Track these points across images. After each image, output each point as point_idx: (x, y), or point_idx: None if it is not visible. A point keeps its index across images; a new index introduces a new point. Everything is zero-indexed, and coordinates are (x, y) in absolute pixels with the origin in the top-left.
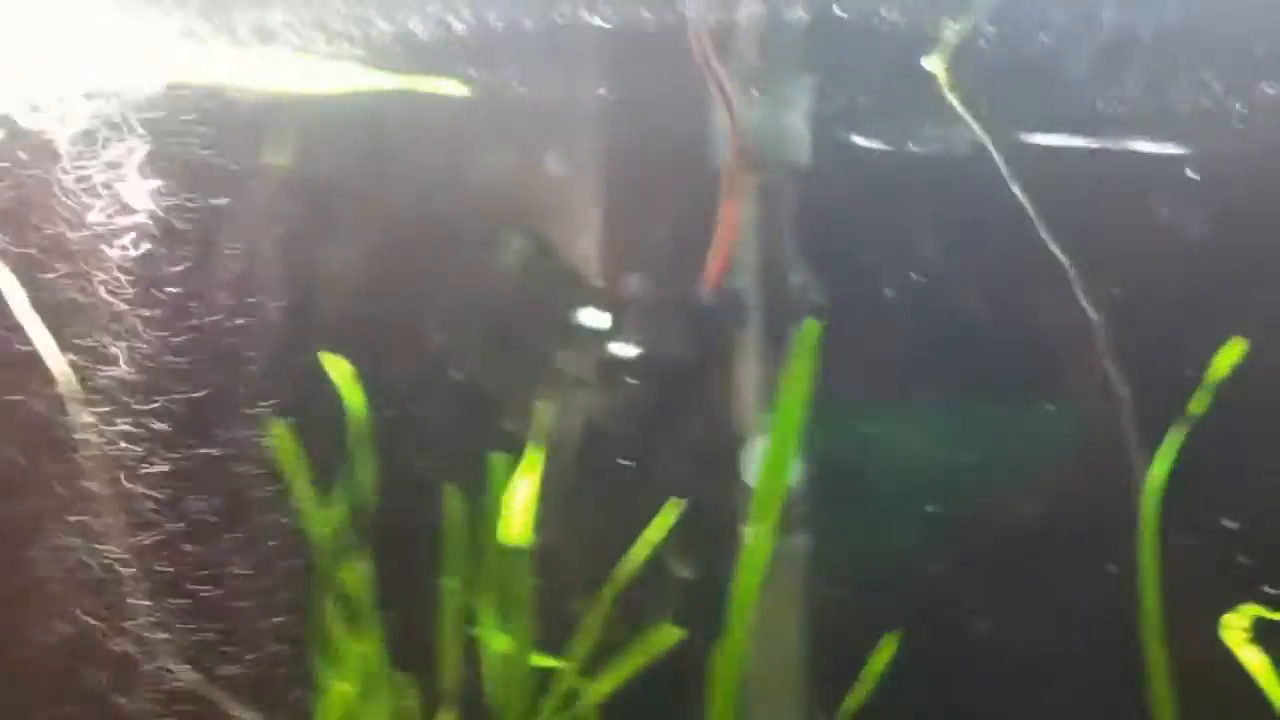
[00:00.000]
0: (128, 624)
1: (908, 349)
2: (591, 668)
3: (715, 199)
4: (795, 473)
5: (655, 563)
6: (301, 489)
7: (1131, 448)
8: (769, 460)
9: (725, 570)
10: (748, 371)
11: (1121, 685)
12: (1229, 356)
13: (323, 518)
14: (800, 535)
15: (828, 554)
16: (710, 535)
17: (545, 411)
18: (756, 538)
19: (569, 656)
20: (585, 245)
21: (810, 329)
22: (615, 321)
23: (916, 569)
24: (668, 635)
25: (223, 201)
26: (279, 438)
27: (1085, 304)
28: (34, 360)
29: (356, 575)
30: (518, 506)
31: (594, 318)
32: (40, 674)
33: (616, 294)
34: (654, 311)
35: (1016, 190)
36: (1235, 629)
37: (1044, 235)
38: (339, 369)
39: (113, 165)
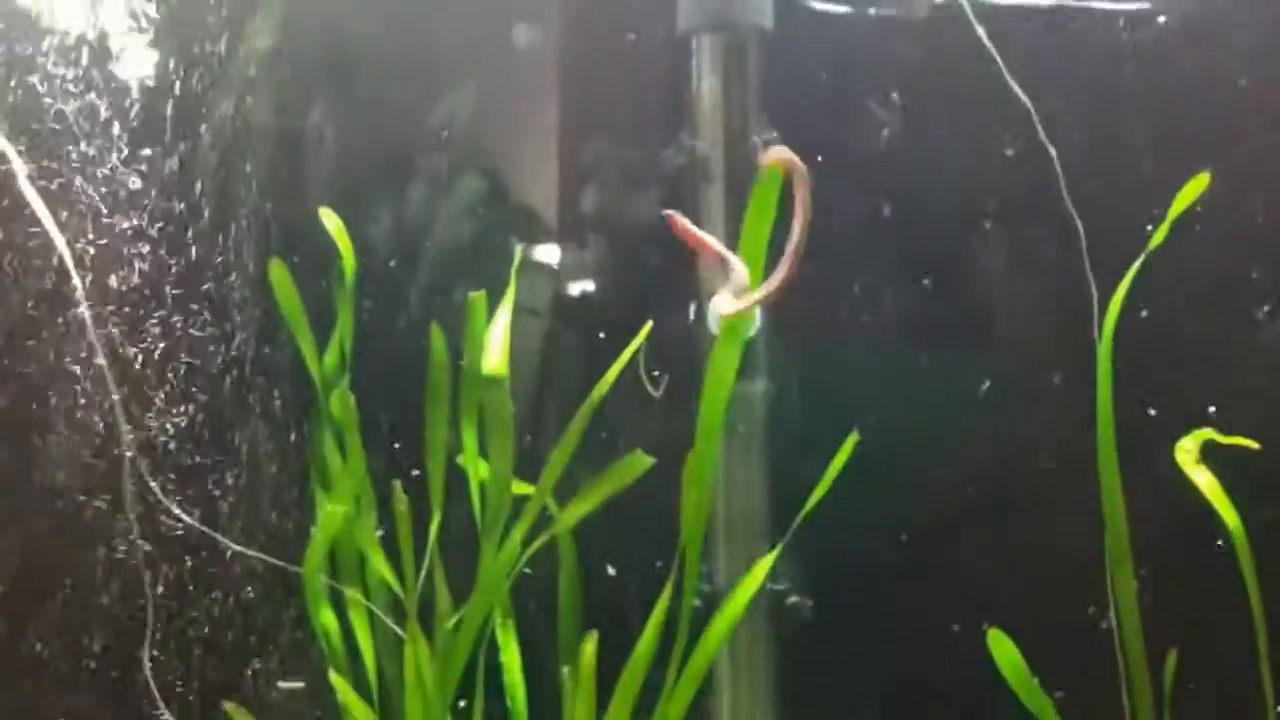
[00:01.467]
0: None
1: (869, 207)
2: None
3: (681, 64)
4: (755, 322)
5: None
6: (300, 327)
7: (1088, 283)
8: None
9: (691, 398)
10: (712, 230)
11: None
12: (1192, 191)
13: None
14: (760, 381)
15: (786, 399)
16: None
17: (521, 252)
18: (720, 361)
19: (542, 482)
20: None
21: (770, 174)
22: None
23: (874, 411)
24: (639, 463)
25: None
26: (278, 278)
27: (1046, 143)
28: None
29: (345, 402)
30: (495, 339)
31: (548, 253)
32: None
33: (581, 158)
34: (619, 175)
35: (980, 33)
36: (1186, 451)
37: (1007, 78)
38: (332, 221)
39: None
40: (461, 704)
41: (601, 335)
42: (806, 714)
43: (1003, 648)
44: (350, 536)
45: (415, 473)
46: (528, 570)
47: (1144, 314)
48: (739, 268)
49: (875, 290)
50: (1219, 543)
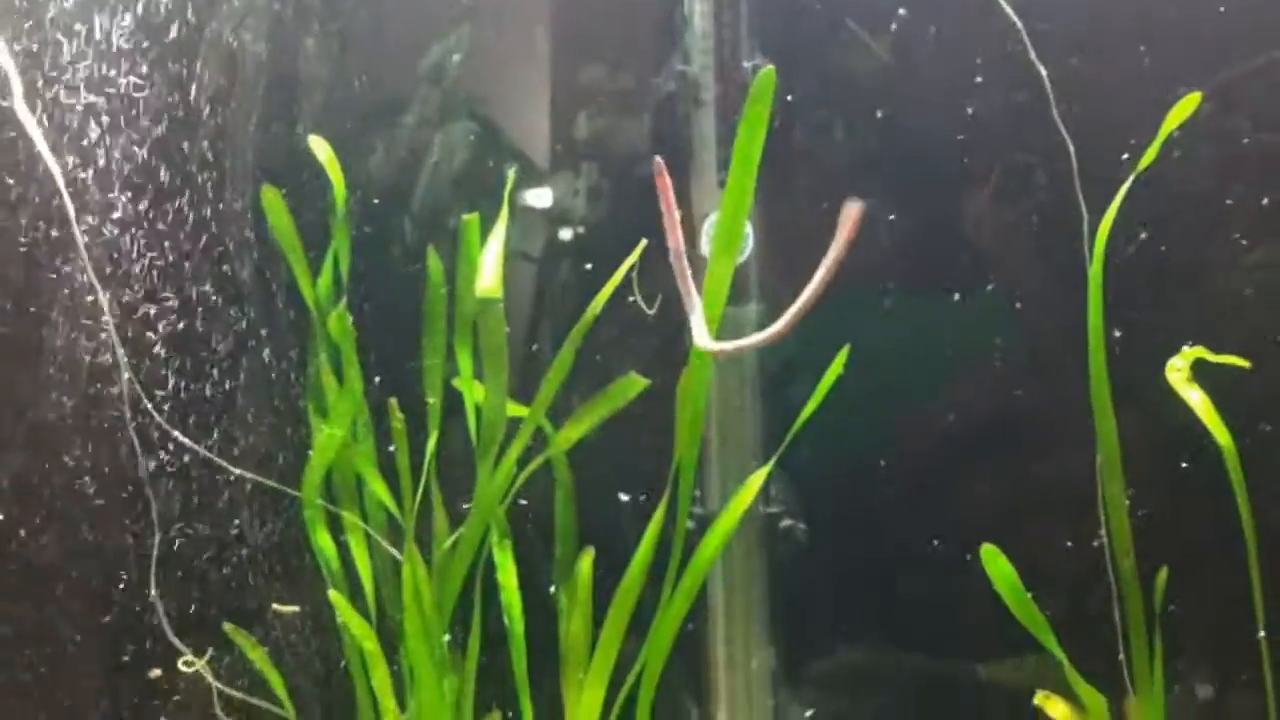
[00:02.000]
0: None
1: (861, 131)
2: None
3: None
4: (748, 246)
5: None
6: (294, 252)
7: (1078, 204)
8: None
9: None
10: (704, 153)
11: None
12: (1182, 111)
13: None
14: (753, 305)
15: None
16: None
17: (513, 176)
18: (713, 280)
19: (536, 403)
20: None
21: (763, 79)
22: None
23: (866, 334)
24: (633, 384)
25: None
26: (272, 205)
27: (1037, 64)
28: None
29: (343, 323)
30: (489, 261)
31: (538, 197)
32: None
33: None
34: (611, 101)
35: None
36: (1177, 370)
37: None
38: (322, 149)
39: None
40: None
41: (593, 264)
42: (800, 636)
43: (997, 564)
44: (347, 459)
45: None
46: (523, 501)
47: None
48: (694, 298)
49: (867, 214)
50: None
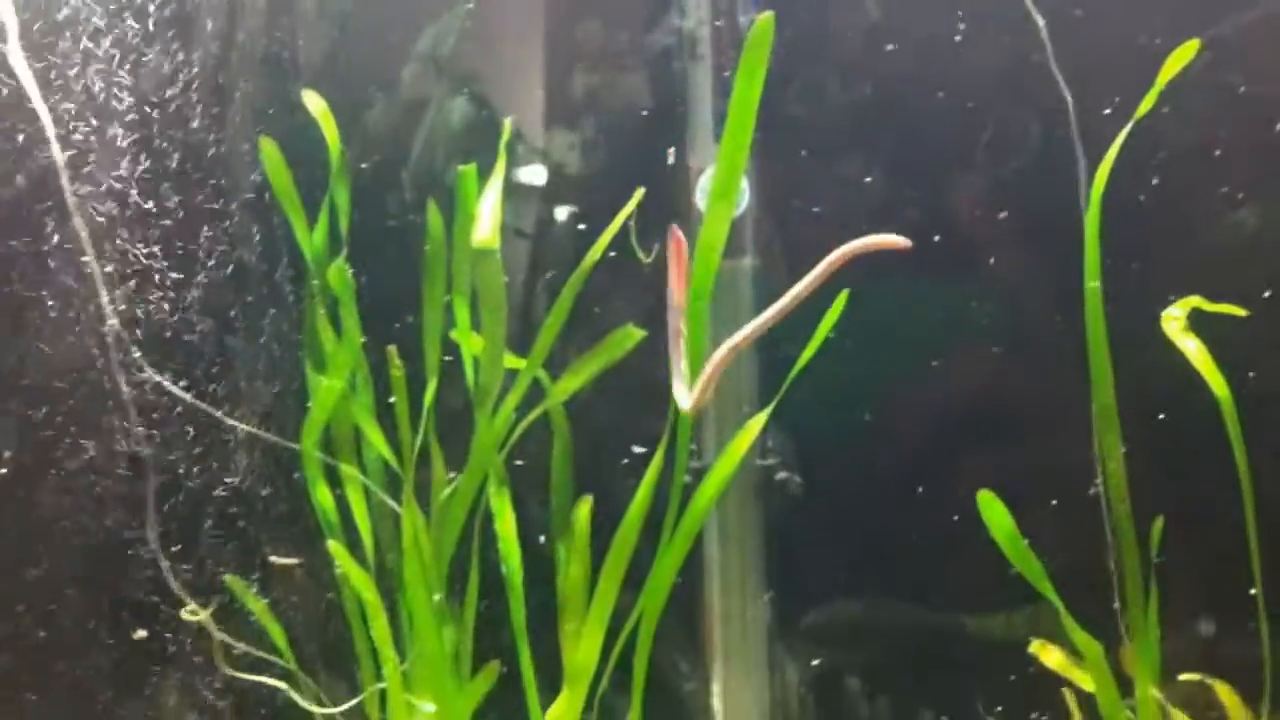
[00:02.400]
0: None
1: (857, 85)
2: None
3: None
4: (744, 200)
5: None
6: (291, 205)
7: (1077, 151)
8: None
9: None
10: (699, 106)
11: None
12: (1180, 58)
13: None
14: (748, 258)
15: (772, 275)
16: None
17: (508, 127)
18: (710, 229)
19: (534, 351)
20: None
21: (761, 26)
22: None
23: (862, 285)
24: (629, 336)
25: None
26: (269, 155)
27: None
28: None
29: (341, 276)
30: (486, 212)
31: (532, 174)
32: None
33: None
34: (607, 57)
35: None
36: (1174, 319)
37: None
38: (316, 104)
39: None
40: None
41: (591, 212)
42: (795, 588)
43: (994, 510)
44: (346, 412)
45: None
46: (520, 462)
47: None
48: (681, 367)
49: (863, 168)
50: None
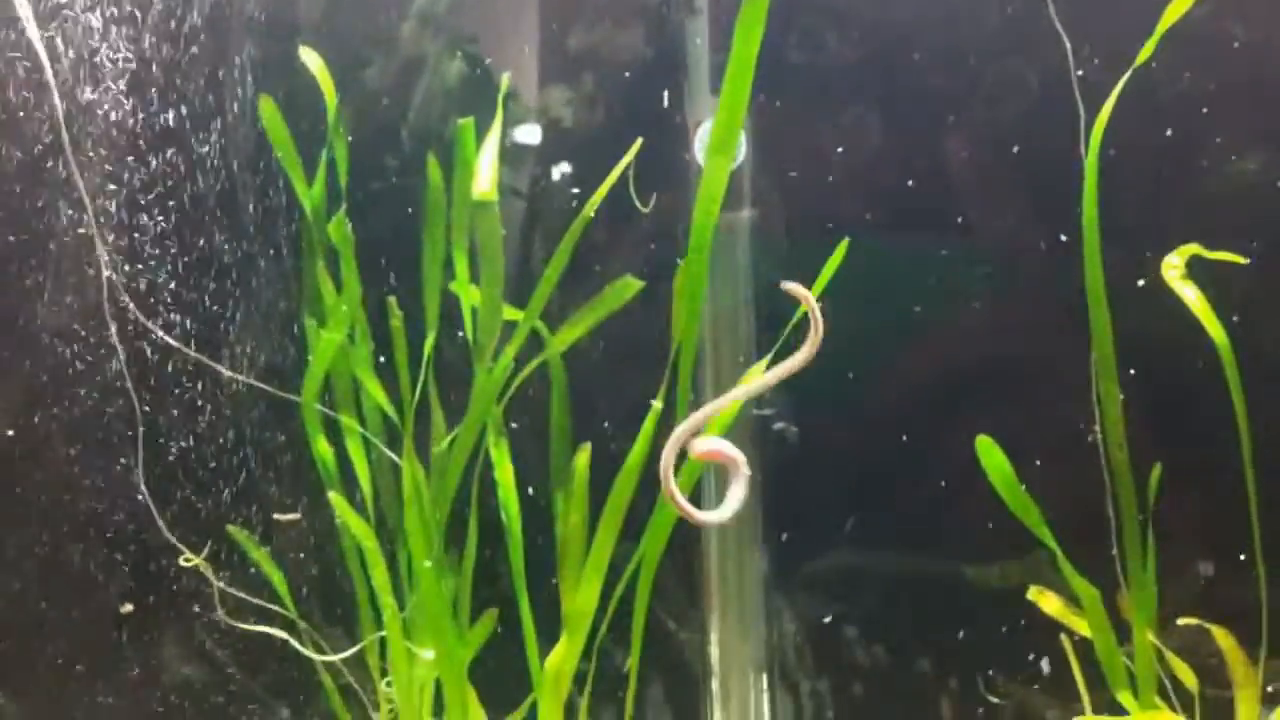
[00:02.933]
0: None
1: (855, 39)
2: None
3: None
4: (742, 151)
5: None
6: (289, 160)
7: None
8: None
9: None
10: (697, 63)
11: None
12: (1180, 6)
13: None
14: (745, 210)
15: (770, 226)
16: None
17: (506, 82)
18: (709, 178)
19: (530, 307)
20: None
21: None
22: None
23: (862, 234)
24: (628, 287)
25: None
26: (268, 113)
27: None
28: None
29: (341, 228)
30: (485, 165)
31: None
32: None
33: None
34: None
35: None
36: (1173, 267)
37: None
38: (313, 60)
39: None
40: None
41: (588, 172)
42: (793, 538)
43: (991, 455)
44: (345, 364)
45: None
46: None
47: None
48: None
49: (861, 119)
50: None
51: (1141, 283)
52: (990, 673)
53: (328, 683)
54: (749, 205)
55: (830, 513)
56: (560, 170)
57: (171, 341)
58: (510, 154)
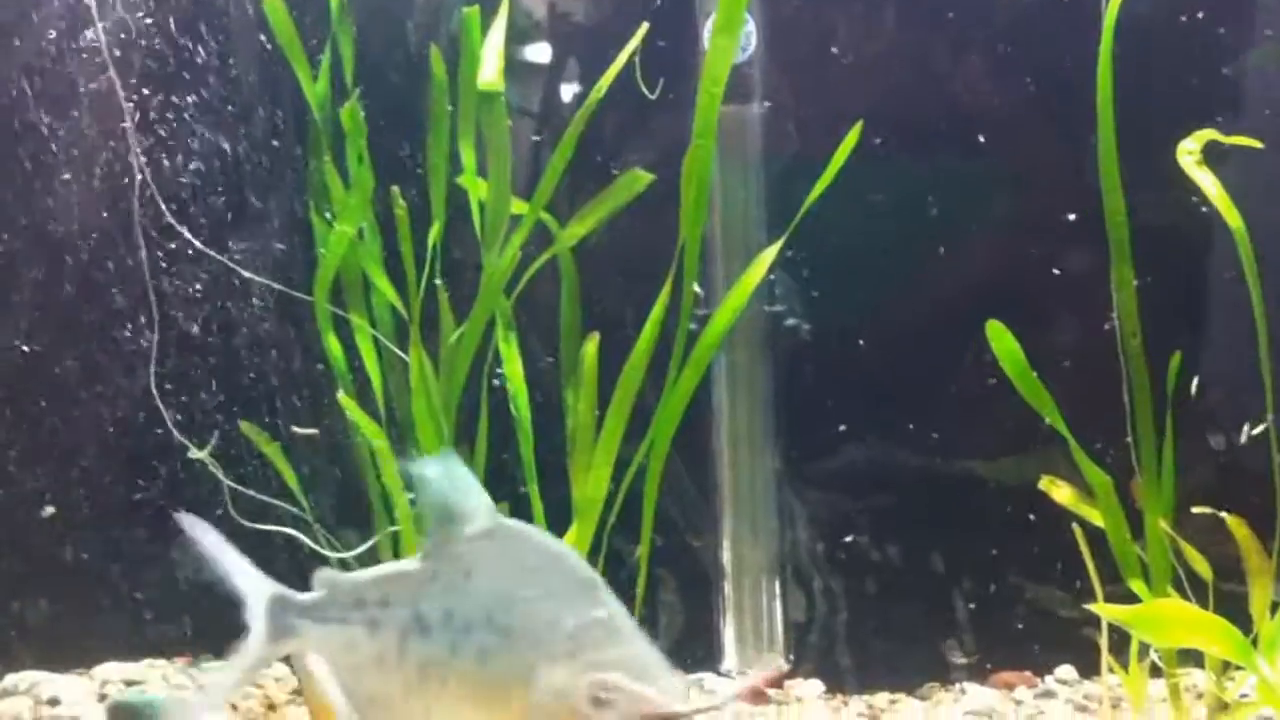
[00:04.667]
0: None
1: None
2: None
3: None
4: (751, 43)
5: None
6: (295, 54)
7: None
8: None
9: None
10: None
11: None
12: None
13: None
14: (756, 104)
15: (781, 120)
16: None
17: None
18: (713, 61)
19: (536, 197)
20: None
21: None
22: None
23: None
24: (638, 180)
25: None
26: (273, 9)
27: None
28: None
29: (355, 116)
30: (491, 54)
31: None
32: None
33: None
34: None
35: None
36: (1189, 153)
37: None
38: None
39: None
40: None
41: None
42: (804, 435)
43: (1002, 340)
44: (354, 260)
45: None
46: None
47: None
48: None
49: (873, 11)
50: None
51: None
52: (1002, 568)
53: None
54: (759, 99)
55: (842, 409)
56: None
57: (188, 235)
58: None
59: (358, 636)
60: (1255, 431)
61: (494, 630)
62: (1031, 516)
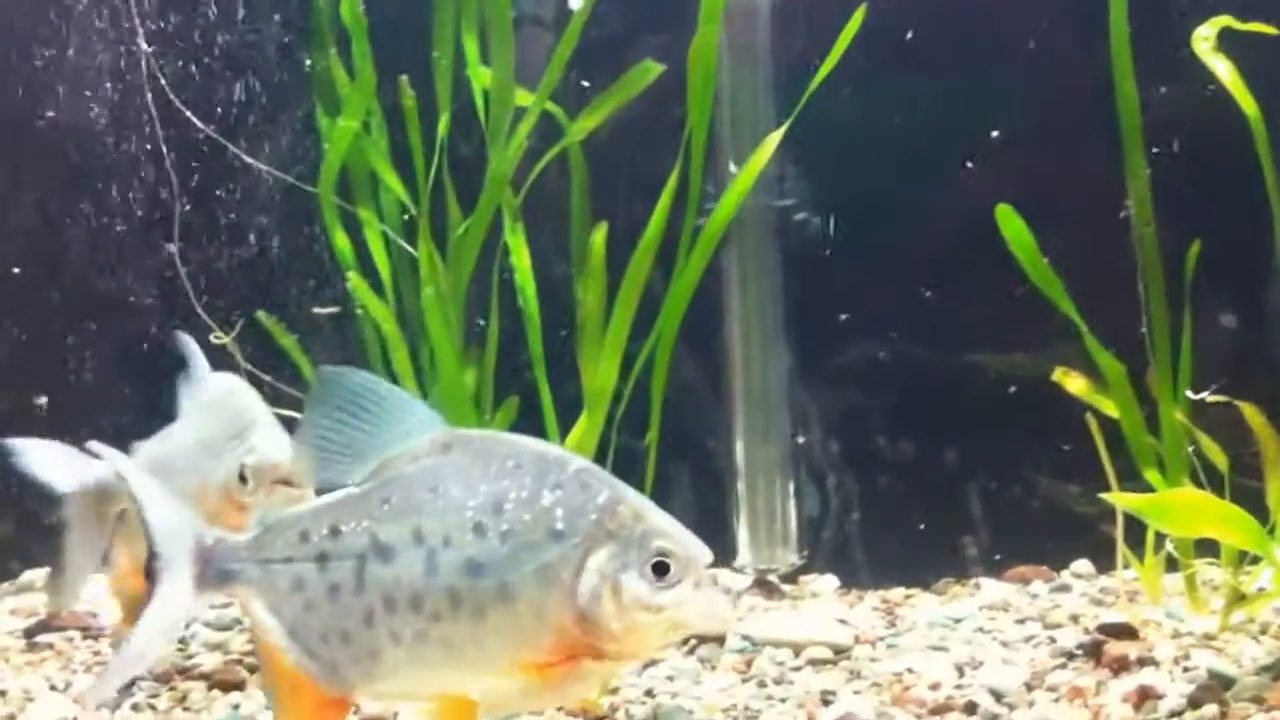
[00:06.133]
0: None
1: None
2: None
3: None
4: None
5: None
6: None
7: None
8: None
9: None
10: None
11: None
12: None
13: None
14: None
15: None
16: None
17: None
18: None
19: (542, 86)
20: None
21: None
22: None
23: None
24: (648, 71)
25: None
26: None
27: None
28: None
29: (354, 8)
30: None
31: None
32: None
33: None
34: None
35: None
36: (1204, 39)
37: None
38: None
39: None
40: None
41: None
42: (814, 332)
43: (1011, 224)
44: (360, 155)
45: None
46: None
47: None
48: None
49: None
50: None
51: None
52: (1017, 464)
53: None
54: None
55: (853, 306)
56: None
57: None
58: None
59: (306, 573)
60: None
61: (484, 538)
62: (1047, 410)
